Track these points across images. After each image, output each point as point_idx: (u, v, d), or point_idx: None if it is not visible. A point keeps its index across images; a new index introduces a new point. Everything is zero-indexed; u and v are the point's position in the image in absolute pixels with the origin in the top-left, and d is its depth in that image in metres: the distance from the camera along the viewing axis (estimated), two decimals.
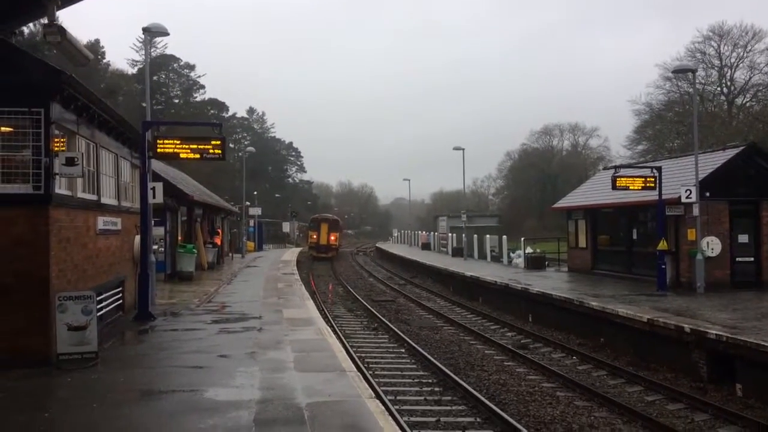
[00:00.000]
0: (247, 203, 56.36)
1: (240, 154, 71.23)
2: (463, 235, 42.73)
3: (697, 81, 39.79)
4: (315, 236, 55.91)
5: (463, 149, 42.98)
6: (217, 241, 35.72)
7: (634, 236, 24.70)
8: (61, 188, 10.66)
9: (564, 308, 18.86)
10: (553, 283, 23.82)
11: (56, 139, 10.38)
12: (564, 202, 31.63)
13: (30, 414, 7.66)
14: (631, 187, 20.83)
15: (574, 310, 18.19)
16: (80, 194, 11.71)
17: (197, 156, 14.75)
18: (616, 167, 23.04)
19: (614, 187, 20.78)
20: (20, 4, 7.81)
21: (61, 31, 7.35)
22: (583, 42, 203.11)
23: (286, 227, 79.70)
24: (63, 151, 10.59)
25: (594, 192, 28.85)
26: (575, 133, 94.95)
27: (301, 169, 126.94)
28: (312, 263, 49.57)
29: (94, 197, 12.71)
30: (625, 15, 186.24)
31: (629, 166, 26.65)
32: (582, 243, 28.29)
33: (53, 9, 7.18)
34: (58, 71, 10.08)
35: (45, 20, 7.32)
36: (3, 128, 10.04)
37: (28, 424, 7.30)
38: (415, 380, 13.17)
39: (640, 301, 17.67)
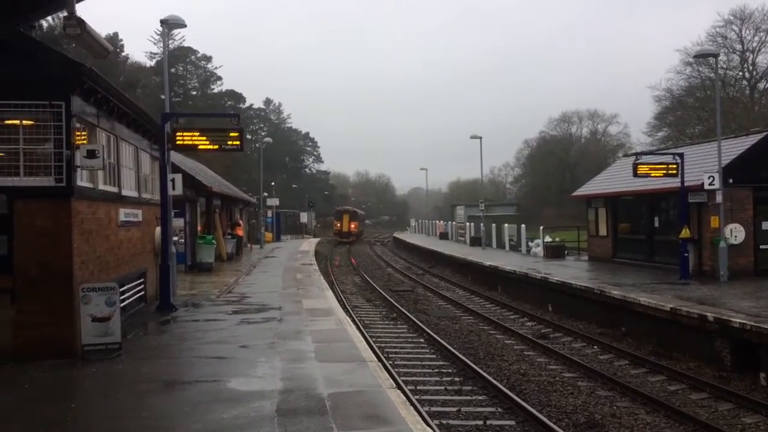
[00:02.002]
0: (265, 194, 56.54)
1: (257, 144, 71.53)
2: (481, 224, 42.52)
3: (718, 66, 39.11)
4: (338, 225, 68.57)
5: (481, 138, 42.64)
6: (239, 232, 35.88)
7: (656, 224, 24.42)
8: (82, 181, 10.75)
9: (584, 297, 18.72)
10: (573, 272, 23.66)
11: (77, 132, 10.47)
12: (583, 190, 31.35)
13: (57, 404, 7.78)
14: (652, 175, 20.55)
15: (595, 300, 18.05)
16: (101, 186, 11.81)
17: (216, 147, 14.80)
18: (636, 154, 22.80)
19: (635, 175, 20.52)
20: None
21: (81, 23, 7.36)
22: (602, 28, 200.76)
23: (303, 218, 79.84)
24: (84, 143, 10.67)
25: (614, 179, 28.54)
26: (594, 120, 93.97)
27: (318, 159, 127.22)
28: (330, 253, 49.73)
29: (115, 189, 12.81)
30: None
31: (650, 152, 26.36)
32: (602, 231, 28.03)
33: (72, 1, 7.19)
34: (78, 64, 10.15)
35: (65, 13, 7.32)
36: (25, 122, 10.13)
37: (56, 414, 7.40)
38: (435, 370, 13.17)
39: (663, 290, 17.48)
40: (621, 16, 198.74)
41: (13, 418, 7.27)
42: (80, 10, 7.47)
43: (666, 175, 20.32)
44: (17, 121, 10.11)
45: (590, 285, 18.90)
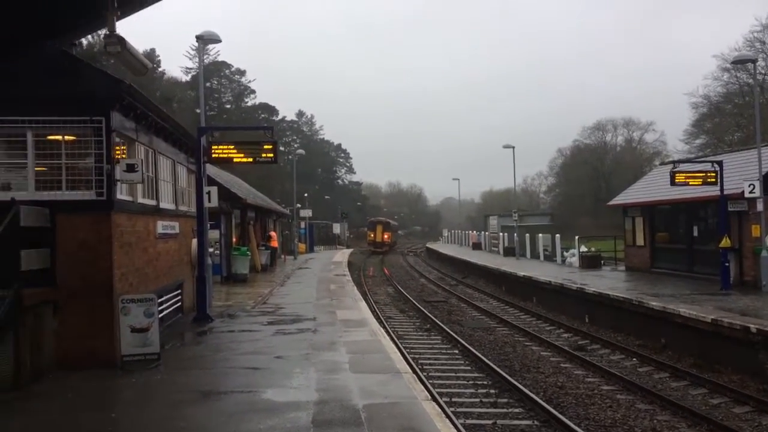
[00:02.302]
0: (298, 205, 57.03)
1: (290, 156, 72.15)
2: (515, 234, 42.19)
3: (757, 71, 38.22)
4: (372, 235, 71.68)
5: (513, 147, 42.43)
6: (273, 243, 36.20)
7: (695, 233, 23.93)
8: (122, 194, 10.97)
9: (622, 308, 18.40)
10: (609, 282, 23.28)
11: (117, 147, 10.70)
12: (620, 199, 30.89)
13: (98, 414, 7.92)
14: (690, 183, 20.17)
15: (633, 311, 17.72)
16: (140, 199, 12.04)
17: (250, 160, 14.97)
18: (674, 162, 22.42)
19: (673, 183, 20.16)
20: (81, 17, 8.08)
21: (121, 41, 7.57)
22: (638, 35, 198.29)
23: (336, 228, 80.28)
24: (123, 158, 10.91)
25: (651, 188, 28.07)
26: (629, 128, 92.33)
27: (350, 170, 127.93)
28: (363, 264, 49.82)
29: (153, 202, 13.05)
30: (679, 5, 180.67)
31: (688, 161, 25.88)
32: (639, 241, 27.57)
33: (113, 20, 7.40)
34: (118, 81, 10.40)
35: (106, 31, 7.53)
36: (67, 137, 10.40)
37: (97, 424, 7.54)
38: (470, 382, 13.06)
39: (703, 301, 17.09)
40: (656, 23, 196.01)
41: (57, 427, 7.43)
42: (119, 27, 7.68)
43: (704, 184, 19.93)
44: (59, 137, 10.39)
45: (628, 296, 18.57)
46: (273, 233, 38.18)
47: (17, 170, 10.42)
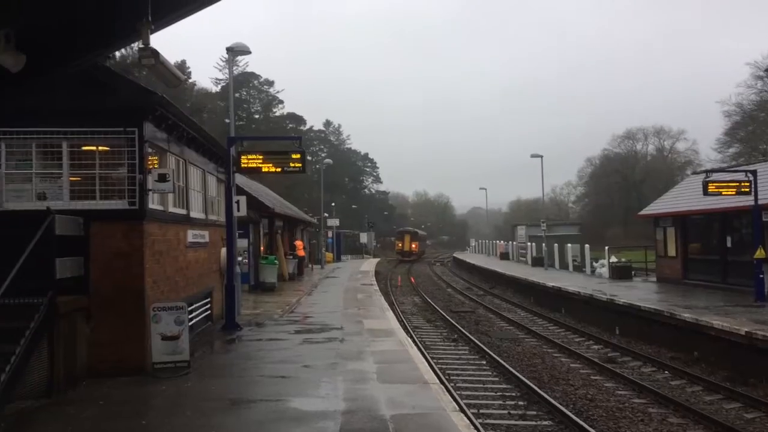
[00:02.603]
0: (325, 214, 57.26)
1: (317, 166, 72.67)
2: (543, 244, 41.80)
3: None
4: (400, 244, 76.06)
5: (541, 156, 42.12)
6: (300, 253, 36.38)
7: (728, 244, 23.44)
8: (154, 203, 11.16)
9: (654, 320, 18.08)
10: (640, 293, 22.92)
11: (149, 157, 10.90)
12: (651, 209, 30.43)
13: (129, 421, 8.03)
14: (723, 193, 19.82)
15: (665, 323, 17.41)
16: (171, 209, 12.22)
17: (278, 170, 15.09)
18: (706, 172, 22.04)
19: (705, 193, 19.82)
20: (116, 30, 8.26)
21: (155, 54, 7.71)
22: (668, 44, 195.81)
23: (363, 238, 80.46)
24: (155, 168, 11.10)
25: (683, 198, 27.61)
26: (660, 136, 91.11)
27: (377, 179, 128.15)
28: (390, 273, 49.80)
29: (184, 212, 13.24)
30: (712, 13, 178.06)
31: (721, 170, 25.43)
32: (671, 252, 27.10)
33: (147, 33, 7.53)
34: (150, 92, 10.60)
35: (140, 44, 7.67)
36: (101, 148, 10.62)
37: (128, 430, 7.66)
38: (498, 393, 12.94)
39: (737, 313, 16.72)
40: (688, 31, 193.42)
41: None
42: (152, 40, 7.82)
43: (738, 194, 19.57)
44: (93, 147, 10.61)
45: (660, 307, 18.25)
46: (298, 242, 38.39)
47: (52, 180, 10.66)
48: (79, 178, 10.63)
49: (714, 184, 19.81)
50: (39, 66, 8.49)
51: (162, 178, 10.74)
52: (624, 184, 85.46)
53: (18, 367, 8.12)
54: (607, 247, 35.81)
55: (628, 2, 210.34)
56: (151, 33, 7.69)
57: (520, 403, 12.19)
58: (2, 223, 10.08)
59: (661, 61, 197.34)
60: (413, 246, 74.77)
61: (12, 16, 7.58)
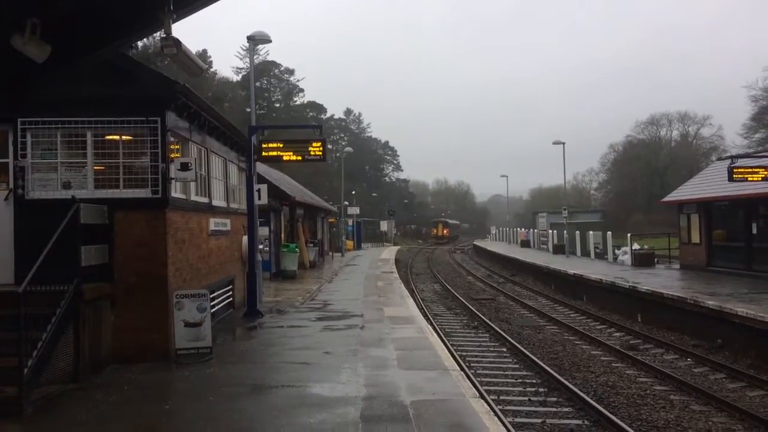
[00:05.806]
0: (346, 203, 57.46)
1: (338, 154, 72.80)
2: (564, 231, 41.53)
3: None
4: (435, 231, 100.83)
5: (563, 143, 41.75)
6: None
7: (754, 230, 23.11)
8: (176, 192, 11.27)
9: (676, 308, 17.92)
10: (663, 281, 22.71)
11: (171, 146, 11.00)
12: (674, 196, 30.07)
13: (153, 406, 8.19)
14: (749, 179, 19.55)
15: (688, 310, 17.25)
16: (193, 197, 12.34)
17: (299, 158, 15.15)
18: (732, 157, 21.69)
19: (731, 179, 19.57)
20: (138, 20, 8.32)
21: (177, 43, 7.75)
22: (694, 29, 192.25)
23: (383, 226, 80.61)
24: (177, 156, 11.20)
25: (708, 184, 27.23)
26: (685, 122, 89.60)
27: (398, 167, 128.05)
28: (411, 261, 49.90)
29: (205, 200, 13.36)
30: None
31: (747, 155, 25.01)
32: (695, 238, 26.79)
33: (169, 23, 7.57)
34: (172, 82, 10.69)
35: (162, 33, 7.73)
36: (124, 137, 10.75)
37: (152, 415, 7.80)
38: (518, 380, 12.94)
39: (762, 300, 16.51)
40: (713, 15, 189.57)
41: (115, 419, 7.71)
42: (174, 29, 7.86)
43: (764, 179, 19.27)
44: (117, 137, 10.74)
45: (683, 294, 18.08)
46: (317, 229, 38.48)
47: (77, 169, 10.81)
48: (103, 167, 10.77)
49: (739, 170, 19.56)
50: (63, 56, 8.58)
51: (184, 166, 10.85)
52: (647, 171, 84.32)
53: (45, 352, 8.30)
54: (629, 234, 35.44)
55: None
56: (173, 22, 7.72)
57: (541, 389, 12.18)
58: (29, 211, 10.29)
59: (687, 45, 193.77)
60: (445, 232, 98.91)
61: (38, 6, 7.67)
